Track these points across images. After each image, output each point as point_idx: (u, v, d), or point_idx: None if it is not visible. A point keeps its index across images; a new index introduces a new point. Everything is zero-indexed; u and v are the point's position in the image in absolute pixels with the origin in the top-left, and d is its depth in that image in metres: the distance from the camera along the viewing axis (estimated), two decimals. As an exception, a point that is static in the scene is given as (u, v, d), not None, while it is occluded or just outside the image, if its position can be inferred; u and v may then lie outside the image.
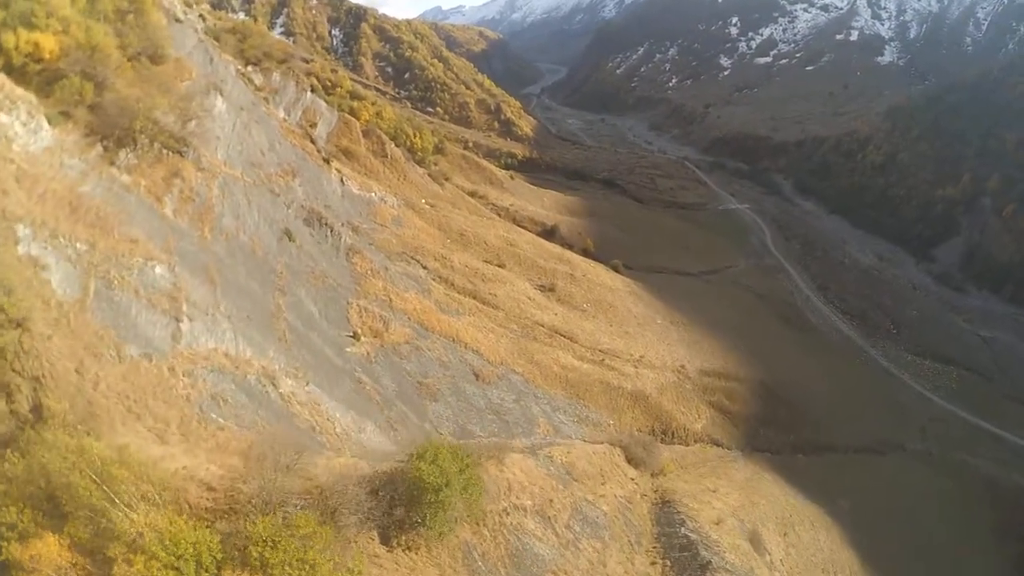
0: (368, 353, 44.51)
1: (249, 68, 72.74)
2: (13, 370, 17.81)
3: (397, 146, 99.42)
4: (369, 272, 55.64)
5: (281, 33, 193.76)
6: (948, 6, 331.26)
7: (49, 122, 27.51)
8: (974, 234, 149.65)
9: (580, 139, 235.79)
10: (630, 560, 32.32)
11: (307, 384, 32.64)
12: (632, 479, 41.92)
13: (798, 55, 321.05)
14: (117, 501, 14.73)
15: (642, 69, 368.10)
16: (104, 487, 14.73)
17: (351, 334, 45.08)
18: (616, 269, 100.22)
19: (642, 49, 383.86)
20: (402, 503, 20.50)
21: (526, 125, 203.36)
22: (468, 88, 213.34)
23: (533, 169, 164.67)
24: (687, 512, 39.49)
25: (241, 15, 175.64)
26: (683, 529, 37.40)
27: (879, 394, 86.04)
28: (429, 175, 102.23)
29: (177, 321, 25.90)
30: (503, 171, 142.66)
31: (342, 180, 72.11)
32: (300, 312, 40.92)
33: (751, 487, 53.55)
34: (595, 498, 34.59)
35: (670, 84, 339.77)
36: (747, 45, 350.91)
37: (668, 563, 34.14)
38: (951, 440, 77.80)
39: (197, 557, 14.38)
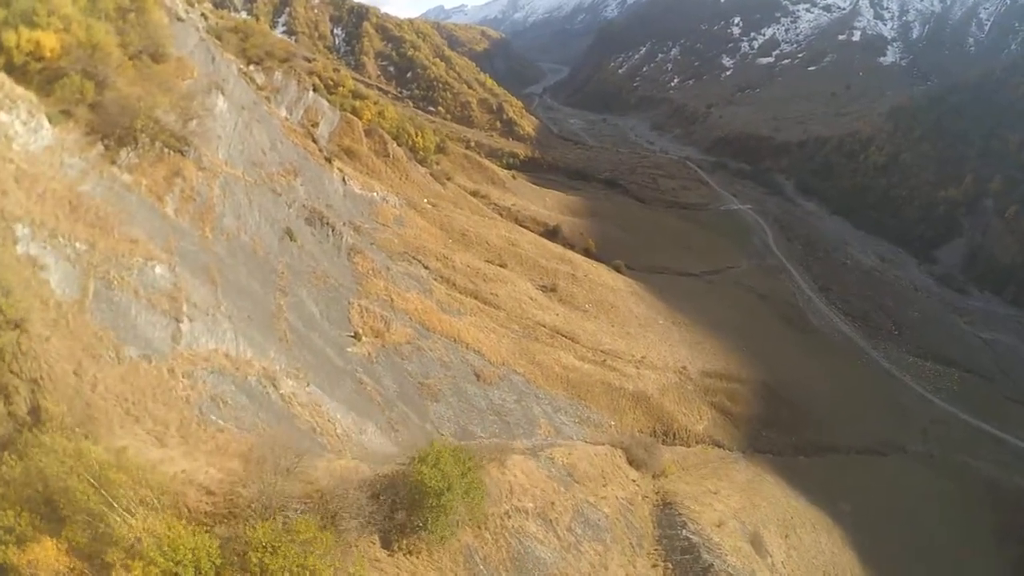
0: (369, 353, 44.36)
1: (251, 67, 72.56)
2: (11, 371, 17.66)
3: (399, 145, 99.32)
4: (371, 272, 55.50)
5: (283, 32, 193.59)
6: (951, 6, 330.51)
7: (50, 121, 27.36)
8: (976, 235, 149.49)
9: (582, 139, 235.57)
10: (632, 563, 32.19)
11: (308, 385, 32.49)
12: (633, 481, 41.77)
13: (800, 55, 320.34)
14: (115, 505, 14.58)
15: (644, 69, 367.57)
16: (102, 491, 14.58)
17: (352, 334, 44.92)
18: (618, 269, 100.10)
19: (644, 49, 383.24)
20: (403, 507, 20.34)
21: (528, 125, 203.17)
22: (470, 87, 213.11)
23: (535, 169, 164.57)
24: (688, 514, 39.37)
25: (243, 14, 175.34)
26: (685, 531, 37.28)
27: (881, 396, 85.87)
28: (431, 175, 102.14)
29: (177, 322, 25.74)
30: (505, 171, 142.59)
31: (344, 179, 71.99)
32: (301, 312, 40.77)
33: (752, 489, 53.44)
34: (596, 500, 34.45)
35: (672, 84, 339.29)
36: (749, 45, 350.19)
37: (670, 566, 34.03)
38: (952, 442, 77.67)
39: (196, 563, 14.21)
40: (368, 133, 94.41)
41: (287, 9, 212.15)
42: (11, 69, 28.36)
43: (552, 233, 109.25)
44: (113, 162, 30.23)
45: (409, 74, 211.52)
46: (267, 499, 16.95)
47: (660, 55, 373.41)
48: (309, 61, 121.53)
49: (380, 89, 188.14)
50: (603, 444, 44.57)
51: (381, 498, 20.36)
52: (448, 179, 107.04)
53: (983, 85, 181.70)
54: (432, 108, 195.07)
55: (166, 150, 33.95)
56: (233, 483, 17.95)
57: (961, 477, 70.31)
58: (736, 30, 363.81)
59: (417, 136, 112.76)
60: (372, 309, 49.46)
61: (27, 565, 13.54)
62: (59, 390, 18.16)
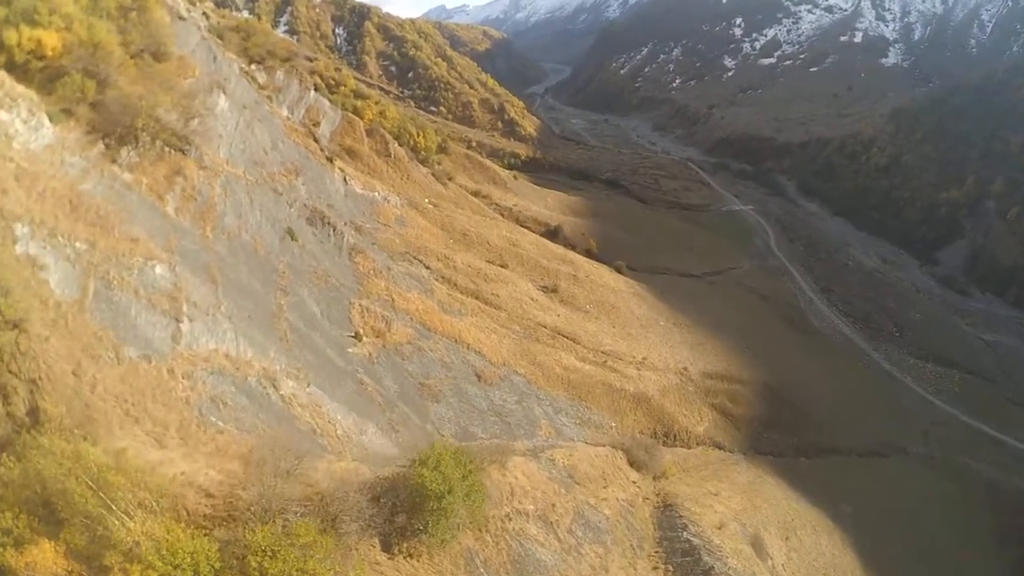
0: (370, 354, 44.25)
1: (252, 66, 72.45)
2: (10, 372, 17.55)
3: (400, 145, 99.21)
4: (372, 272, 55.40)
5: (285, 31, 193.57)
6: (952, 8, 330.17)
7: (50, 119, 27.26)
8: (978, 237, 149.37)
9: (584, 139, 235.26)
10: (632, 565, 32.08)
11: (308, 385, 32.37)
12: (634, 482, 41.69)
13: (802, 56, 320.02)
14: (114, 508, 14.47)
15: (646, 69, 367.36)
16: (100, 494, 14.47)
17: (353, 334, 44.82)
18: (619, 270, 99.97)
19: (646, 49, 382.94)
20: (404, 510, 20.23)
21: (530, 125, 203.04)
22: (472, 87, 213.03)
23: (537, 169, 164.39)
24: (689, 516, 39.29)
25: (245, 13, 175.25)
26: (685, 534, 37.17)
27: (882, 397, 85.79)
28: (432, 175, 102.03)
29: (177, 322, 25.62)
30: (506, 171, 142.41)
31: (345, 179, 71.91)
32: (302, 312, 40.67)
33: (753, 490, 53.37)
34: (597, 502, 34.35)
35: (674, 84, 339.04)
36: (751, 46, 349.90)
37: (670, 568, 33.90)
38: (953, 444, 77.65)
39: (195, 567, 14.08)
40: (370, 133, 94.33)
41: (289, 8, 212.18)
42: (12, 67, 28.28)
43: (553, 233, 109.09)
44: (114, 161, 30.14)
45: (411, 74, 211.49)
46: (267, 502, 16.83)
47: (662, 55, 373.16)
48: (311, 60, 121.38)
49: (382, 89, 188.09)
50: (604, 445, 44.50)
51: (382, 501, 20.25)
52: (449, 179, 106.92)
53: (985, 87, 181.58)
54: (434, 108, 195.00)
55: (167, 149, 33.87)
56: (233, 485, 17.83)
57: (962, 479, 70.27)
58: (738, 31, 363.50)
59: (418, 136, 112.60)
60: (373, 309, 49.36)
61: (25, 568, 13.43)
62: (58, 391, 18.05)
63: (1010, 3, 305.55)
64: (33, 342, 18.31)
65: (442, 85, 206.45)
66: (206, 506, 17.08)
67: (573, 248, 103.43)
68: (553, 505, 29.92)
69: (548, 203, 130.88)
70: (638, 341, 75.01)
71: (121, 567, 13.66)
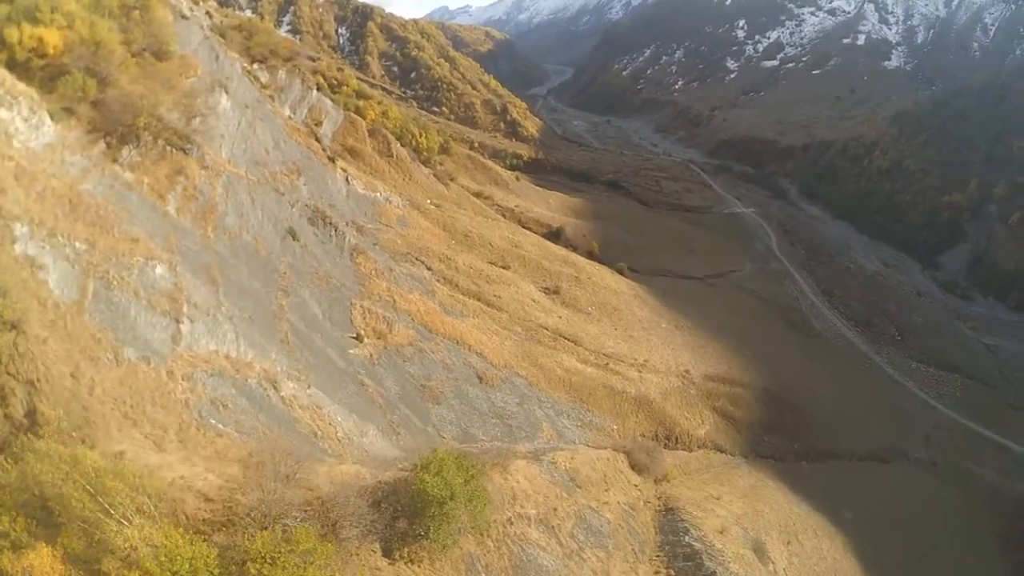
0: (371, 355, 44.06)
1: (255, 66, 72.31)
2: (8, 373, 17.38)
3: (403, 146, 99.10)
4: (373, 273, 55.21)
5: (287, 31, 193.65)
6: (955, 11, 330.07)
7: (51, 118, 27.11)
8: (980, 241, 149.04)
9: (586, 141, 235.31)
10: (634, 570, 31.90)
11: (309, 387, 32.17)
12: (635, 486, 41.51)
13: (805, 59, 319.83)
14: (112, 513, 14.28)
15: (648, 71, 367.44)
16: (98, 498, 14.28)
17: (354, 335, 44.63)
18: (621, 272, 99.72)
19: (648, 51, 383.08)
20: (405, 515, 20.03)
21: (532, 126, 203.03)
22: (474, 88, 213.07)
23: (539, 170, 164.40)
24: (691, 520, 39.09)
25: (248, 12, 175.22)
26: (687, 538, 36.99)
27: (883, 401, 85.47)
28: (434, 175, 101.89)
29: (177, 322, 25.43)
30: (508, 172, 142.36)
31: (347, 179, 71.75)
32: (303, 313, 40.48)
33: (755, 494, 53.13)
34: (599, 506, 34.15)
35: (676, 86, 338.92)
36: (754, 48, 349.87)
37: (672, 573, 33.75)
38: (955, 449, 77.30)
39: (193, 573, 13.90)
40: (372, 133, 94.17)
41: (292, 8, 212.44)
42: (13, 65, 28.17)
43: (555, 235, 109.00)
44: (115, 160, 29.99)
45: (413, 74, 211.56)
46: (267, 507, 16.64)
47: (664, 57, 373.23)
48: (313, 60, 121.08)
49: (384, 89, 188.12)
50: (605, 448, 44.34)
51: (383, 506, 20.05)
52: (451, 180, 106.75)
53: (988, 90, 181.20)
54: (436, 109, 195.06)
55: (169, 148, 33.72)
56: (232, 490, 17.64)
57: (964, 484, 69.96)
58: (741, 33, 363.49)
59: (421, 136, 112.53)
60: (374, 310, 49.18)
61: (22, 572, 13.27)
62: (56, 393, 17.87)
63: (1013, 6, 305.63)
64: (32, 343, 18.13)
65: (444, 86, 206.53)
66: (205, 511, 16.88)
67: (575, 250, 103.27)
68: (555, 509, 29.73)
69: (550, 204, 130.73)
70: (640, 343, 74.77)
71: (119, 573, 13.49)
